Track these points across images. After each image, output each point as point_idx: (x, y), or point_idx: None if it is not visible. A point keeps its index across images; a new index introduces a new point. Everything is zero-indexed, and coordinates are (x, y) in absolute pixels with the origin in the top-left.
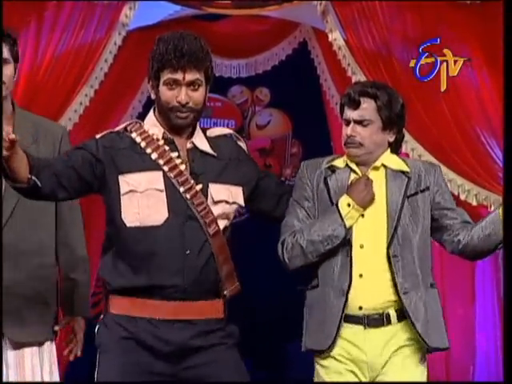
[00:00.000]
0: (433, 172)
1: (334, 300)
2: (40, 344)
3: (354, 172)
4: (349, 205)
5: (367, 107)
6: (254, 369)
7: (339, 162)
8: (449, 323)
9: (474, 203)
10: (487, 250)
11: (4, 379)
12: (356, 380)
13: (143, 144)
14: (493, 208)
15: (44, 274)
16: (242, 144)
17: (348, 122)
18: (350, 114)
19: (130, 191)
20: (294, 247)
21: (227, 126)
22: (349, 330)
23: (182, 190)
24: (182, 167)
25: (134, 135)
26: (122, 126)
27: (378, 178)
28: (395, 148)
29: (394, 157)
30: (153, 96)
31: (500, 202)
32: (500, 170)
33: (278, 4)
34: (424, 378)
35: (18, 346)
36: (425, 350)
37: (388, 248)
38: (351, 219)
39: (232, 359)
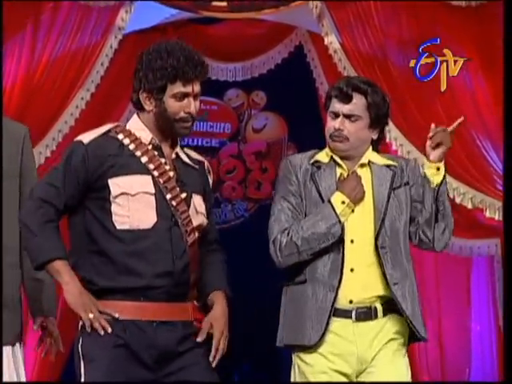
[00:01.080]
0: (412, 166)
1: (324, 295)
2: (11, 345)
3: (340, 167)
4: (343, 202)
5: (358, 103)
6: (252, 371)
7: (323, 157)
8: (444, 326)
9: (470, 206)
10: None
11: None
12: (341, 378)
13: (132, 146)
14: (488, 211)
15: (8, 275)
16: (210, 178)
17: (336, 115)
18: (340, 107)
19: (122, 194)
20: (288, 245)
21: (223, 130)
22: (338, 324)
23: (168, 196)
24: (171, 174)
25: (120, 137)
26: (105, 128)
27: (363, 173)
28: (376, 145)
29: (376, 154)
30: (149, 107)
31: (495, 205)
32: (495, 173)
33: (274, 7)
34: (409, 371)
35: None
36: (407, 344)
37: (376, 240)
38: (345, 216)
39: (207, 364)
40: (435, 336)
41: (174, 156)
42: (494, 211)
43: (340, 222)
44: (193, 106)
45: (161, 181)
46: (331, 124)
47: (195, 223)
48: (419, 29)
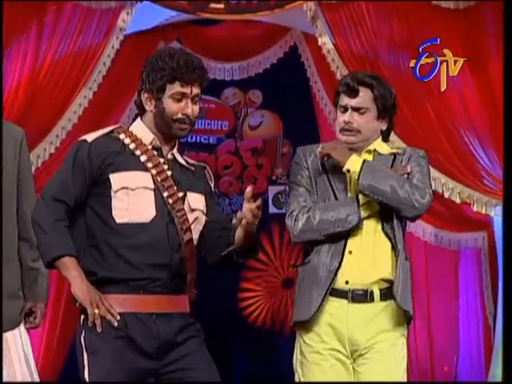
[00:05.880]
0: (415, 154)
1: (323, 275)
2: (15, 330)
3: None
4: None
5: (365, 96)
6: (246, 361)
7: None
8: (433, 316)
9: (458, 201)
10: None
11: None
12: (337, 356)
13: (132, 146)
14: (476, 205)
15: (11, 267)
16: (211, 182)
17: (345, 110)
18: (348, 101)
19: (123, 188)
20: (307, 222)
21: (221, 127)
22: (334, 304)
23: (166, 194)
24: (169, 173)
25: (122, 136)
26: (108, 129)
27: (367, 159)
28: (386, 136)
29: (384, 144)
30: (149, 107)
31: (482, 199)
32: (482, 169)
33: (270, 9)
34: (405, 366)
35: None
36: (406, 332)
37: (382, 222)
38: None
39: (205, 352)
40: (424, 325)
41: (170, 156)
42: (481, 205)
43: (359, 213)
44: (190, 108)
45: (159, 179)
46: (341, 118)
47: (190, 220)
48: (409, 30)
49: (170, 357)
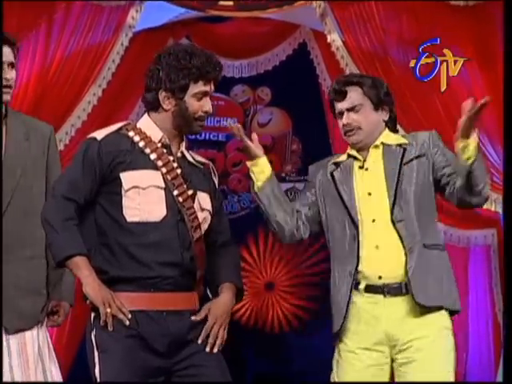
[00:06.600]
0: (429, 137)
1: (342, 282)
2: (34, 329)
3: (355, 158)
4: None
5: (353, 94)
6: (254, 357)
7: (342, 157)
8: None
9: None
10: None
11: (7, 367)
12: (372, 355)
13: (142, 144)
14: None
15: (35, 264)
16: (216, 179)
17: (341, 114)
18: (341, 105)
19: (134, 187)
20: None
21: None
22: (370, 300)
23: (176, 192)
24: (178, 171)
25: (131, 134)
26: (117, 126)
27: (376, 156)
28: (392, 126)
29: (392, 134)
30: (167, 106)
31: (491, 196)
32: (492, 166)
33: (279, 7)
34: (451, 360)
35: (17, 333)
36: (449, 324)
37: (392, 214)
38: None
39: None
40: None
41: (179, 155)
42: (490, 203)
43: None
44: (209, 105)
45: (169, 177)
46: (340, 123)
47: (200, 219)
48: (418, 28)
49: (181, 354)
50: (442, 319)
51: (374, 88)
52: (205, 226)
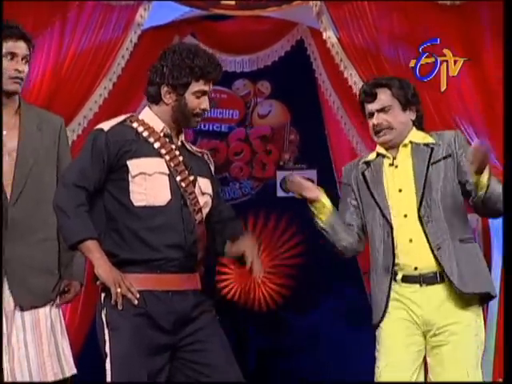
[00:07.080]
0: (455, 137)
1: (382, 278)
2: (47, 306)
3: (385, 156)
4: None
5: (383, 95)
6: (255, 333)
7: (371, 156)
8: None
9: None
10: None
11: (22, 344)
12: (413, 326)
13: (146, 133)
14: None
15: (48, 246)
16: (212, 166)
17: (371, 115)
18: (371, 106)
19: (141, 173)
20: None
21: (232, 116)
22: (407, 289)
23: (178, 178)
24: (180, 158)
25: (135, 125)
26: (121, 118)
27: (406, 154)
28: (419, 124)
29: (420, 133)
30: (168, 100)
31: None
32: None
33: (278, 6)
34: (481, 346)
35: (32, 310)
36: (481, 312)
37: (418, 211)
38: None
39: (217, 325)
40: None
41: (179, 144)
42: None
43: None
44: (207, 103)
45: (172, 164)
46: (371, 123)
47: (201, 203)
48: (409, 25)
49: (185, 331)
50: (476, 307)
51: (401, 89)
52: (206, 210)
